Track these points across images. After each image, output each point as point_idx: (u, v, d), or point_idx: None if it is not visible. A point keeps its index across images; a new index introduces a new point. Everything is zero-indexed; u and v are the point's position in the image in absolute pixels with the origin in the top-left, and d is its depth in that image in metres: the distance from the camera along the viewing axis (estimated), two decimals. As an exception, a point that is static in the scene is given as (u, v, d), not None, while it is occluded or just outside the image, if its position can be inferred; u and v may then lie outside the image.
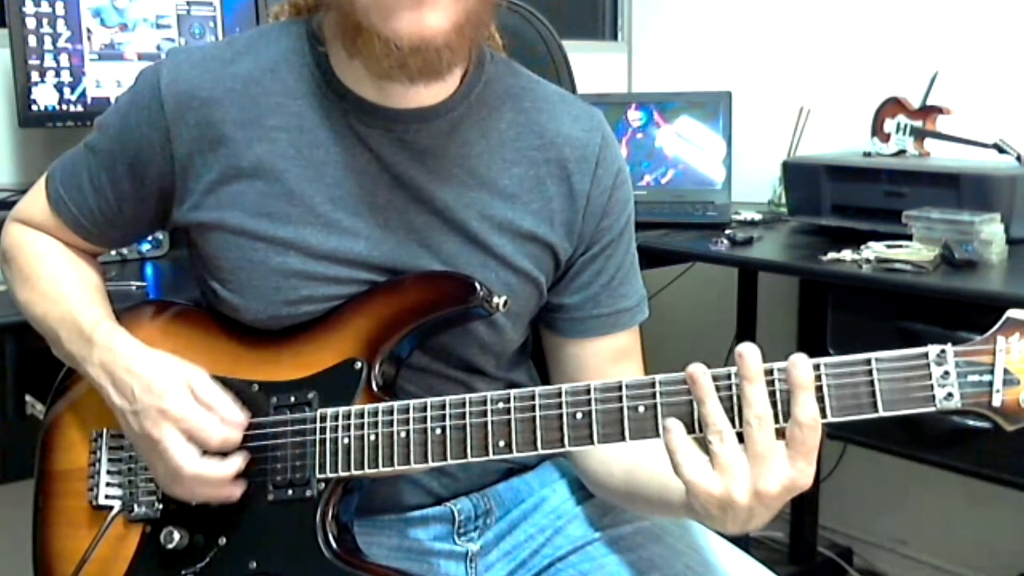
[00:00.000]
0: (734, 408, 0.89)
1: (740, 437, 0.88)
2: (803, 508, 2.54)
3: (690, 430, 0.90)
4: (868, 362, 0.86)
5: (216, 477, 1.02)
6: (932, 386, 0.85)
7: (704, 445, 0.90)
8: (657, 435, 0.91)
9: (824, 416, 0.87)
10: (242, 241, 1.07)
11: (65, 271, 1.17)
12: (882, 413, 0.86)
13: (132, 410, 1.04)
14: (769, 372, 0.89)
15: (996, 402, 0.84)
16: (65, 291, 1.15)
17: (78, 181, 1.15)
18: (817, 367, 0.87)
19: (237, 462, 1.03)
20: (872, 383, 0.86)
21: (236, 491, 1.04)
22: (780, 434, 0.88)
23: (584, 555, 1.16)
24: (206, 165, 1.07)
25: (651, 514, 1.15)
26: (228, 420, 1.03)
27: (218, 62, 1.08)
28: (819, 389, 0.87)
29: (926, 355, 0.86)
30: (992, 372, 0.84)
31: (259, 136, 1.06)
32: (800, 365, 0.86)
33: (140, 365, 1.06)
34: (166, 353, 1.08)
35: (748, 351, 0.88)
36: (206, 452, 1.03)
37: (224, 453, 1.03)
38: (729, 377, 0.89)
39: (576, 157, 1.12)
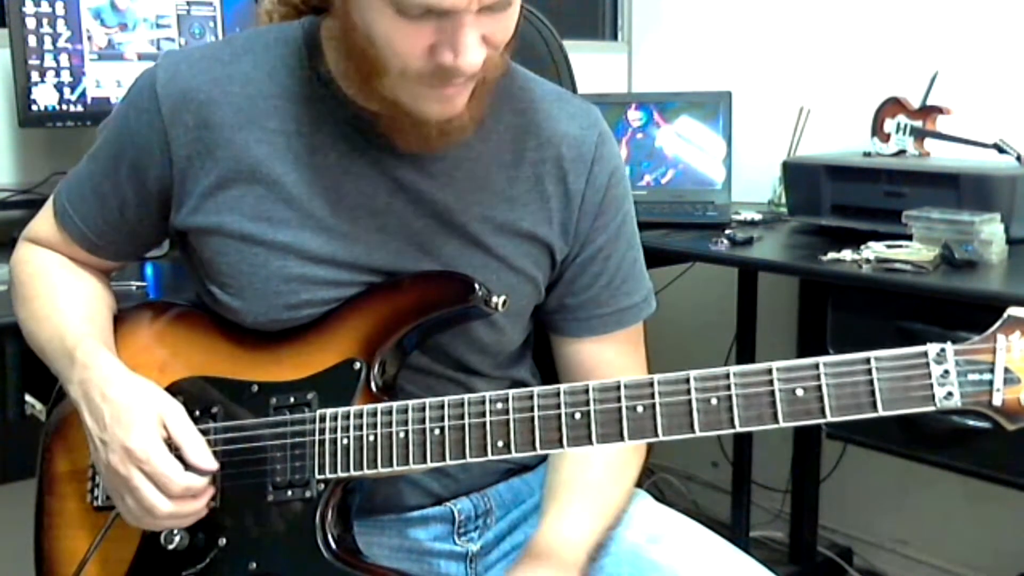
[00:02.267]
0: (733, 408, 0.89)
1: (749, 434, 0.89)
2: (803, 508, 2.54)
3: (688, 430, 0.90)
4: (867, 361, 0.87)
5: (189, 512, 1.02)
6: (932, 385, 0.85)
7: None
8: (656, 435, 0.91)
9: (823, 415, 0.87)
10: (241, 246, 1.07)
11: (62, 288, 1.16)
12: (881, 412, 0.86)
13: (100, 438, 1.03)
14: (768, 372, 0.89)
15: (997, 401, 0.84)
16: (58, 308, 1.14)
17: (82, 191, 1.15)
18: (816, 366, 0.88)
19: (208, 494, 1.03)
20: (871, 382, 0.86)
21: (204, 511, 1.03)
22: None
23: (583, 555, 1.16)
24: (204, 169, 1.07)
25: None
26: (195, 465, 1.01)
27: (216, 63, 1.08)
28: (818, 388, 0.87)
29: (926, 354, 0.86)
30: (992, 371, 0.84)
31: (258, 139, 1.06)
32: None
33: (115, 391, 1.04)
34: (148, 382, 1.06)
35: None
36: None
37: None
38: (728, 377, 0.90)
39: (572, 156, 1.12)
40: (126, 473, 1.01)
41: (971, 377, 0.85)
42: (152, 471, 1.00)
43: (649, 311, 1.20)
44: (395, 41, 0.94)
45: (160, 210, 1.12)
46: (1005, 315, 0.86)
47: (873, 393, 0.86)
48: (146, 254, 1.26)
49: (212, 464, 1.02)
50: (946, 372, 0.85)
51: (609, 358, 1.17)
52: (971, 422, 1.58)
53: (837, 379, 0.87)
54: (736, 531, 2.45)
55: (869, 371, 0.87)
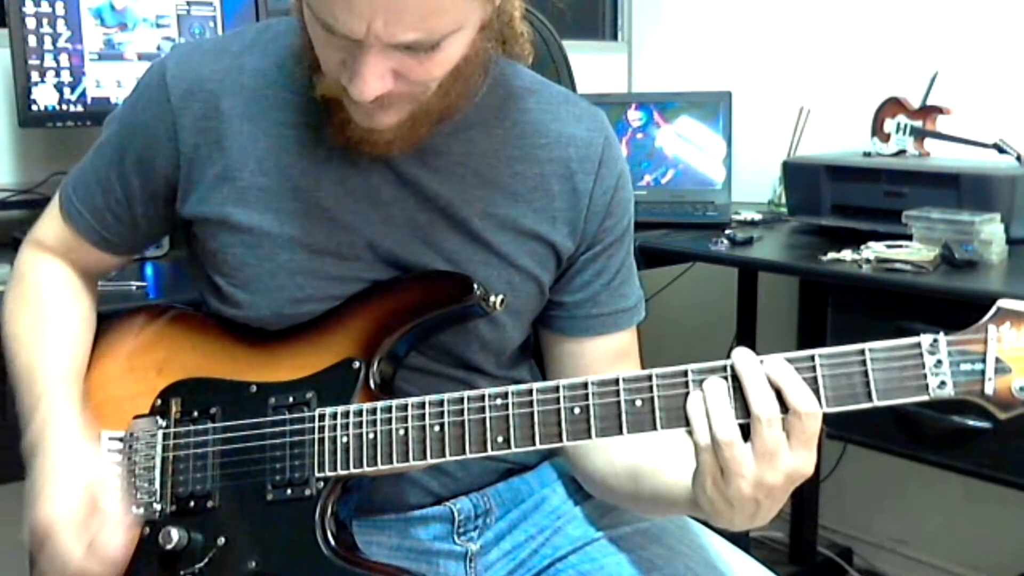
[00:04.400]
0: (730, 400, 0.89)
1: (743, 429, 0.89)
2: (803, 508, 2.54)
3: (686, 423, 0.90)
4: (862, 352, 0.87)
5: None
6: (925, 375, 0.86)
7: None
8: (654, 428, 0.91)
9: (819, 406, 0.87)
10: (247, 238, 1.07)
11: (52, 315, 1.15)
12: (876, 403, 0.87)
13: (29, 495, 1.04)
14: (763, 364, 0.89)
15: (988, 390, 0.85)
16: (39, 339, 1.13)
17: (88, 185, 1.15)
18: (812, 358, 0.88)
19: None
20: (866, 373, 0.87)
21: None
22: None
23: (584, 555, 1.16)
24: (211, 159, 1.07)
25: (656, 513, 1.15)
26: (101, 543, 1.02)
27: (225, 55, 1.09)
28: (814, 380, 0.88)
29: (919, 345, 0.86)
30: (984, 361, 0.85)
31: (264, 131, 1.07)
32: (773, 362, 0.88)
33: (50, 463, 1.04)
34: (91, 450, 1.06)
35: (741, 356, 0.89)
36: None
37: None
38: (725, 369, 0.90)
39: (579, 157, 1.12)
40: (39, 539, 1.02)
41: (963, 367, 0.86)
42: (51, 548, 1.01)
43: (640, 317, 1.20)
44: (318, 47, 0.96)
45: (167, 201, 1.12)
46: (996, 307, 0.87)
47: (868, 384, 0.87)
48: (149, 247, 1.25)
49: (115, 551, 1.02)
50: (939, 362, 0.86)
51: (602, 361, 1.16)
52: (971, 422, 1.58)
53: (832, 370, 0.88)
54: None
55: (864, 362, 0.87)
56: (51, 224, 1.19)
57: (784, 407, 0.88)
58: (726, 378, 0.90)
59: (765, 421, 0.87)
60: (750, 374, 0.88)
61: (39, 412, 1.08)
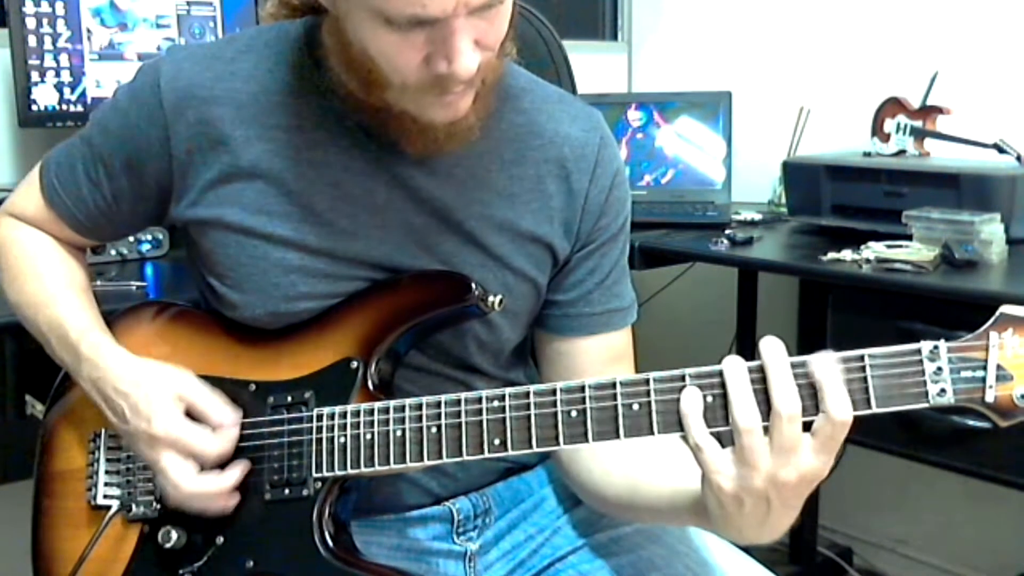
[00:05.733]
0: (728, 404, 0.88)
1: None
2: (803, 508, 2.53)
3: (681, 428, 0.90)
4: (861, 358, 0.86)
5: (215, 491, 1.03)
6: (925, 382, 0.85)
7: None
8: (651, 432, 0.91)
9: (818, 412, 0.87)
10: (241, 238, 1.07)
11: (53, 272, 1.17)
12: (875, 409, 0.86)
13: (125, 430, 1.05)
14: (762, 369, 0.88)
15: (989, 398, 0.84)
16: (52, 295, 1.15)
17: (74, 175, 1.15)
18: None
19: (236, 473, 1.04)
20: (865, 380, 0.86)
21: (232, 502, 1.04)
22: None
23: (583, 555, 1.17)
24: (205, 163, 1.07)
25: (655, 522, 1.15)
26: (221, 425, 1.03)
27: (219, 60, 1.08)
28: (811, 386, 0.87)
29: (919, 351, 0.85)
30: (985, 368, 0.84)
31: (258, 135, 1.06)
32: (822, 362, 0.87)
33: (126, 383, 1.06)
34: (152, 362, 1.07)
35: (770, 347, 0.87)
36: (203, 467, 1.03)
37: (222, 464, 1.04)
38: (722, 374, 0.89)
39: (575, 156, 1.12)
40: (154, 457, 1.03)
41: (964, 374, 0.84)
42: (185, 446, 1.02)
43: (633, 319, 1.20)
44: (390, 56, 0.94)
45: (156, 203, 1.12)
46: (998, 313, 0.85)
47: (867, 390, 0.86)
48: (130, 235, 1.26)
49: (234, 416, 1.04)
50: (939, 369, 0.85)
51: (596, 363, 1.16)
52: (971, 422, 1.59)
53: None
54: (736, 531, 2.45)
55: (863, 368, 0.86)
56: (28, 201, 1.19)
57: (818, 409, 0.87)
58: (723, 383, 0.88)
59: (786, 417, 0.86)
60: (776, 369, 0.87)
61: (83, 360, 1.09)
